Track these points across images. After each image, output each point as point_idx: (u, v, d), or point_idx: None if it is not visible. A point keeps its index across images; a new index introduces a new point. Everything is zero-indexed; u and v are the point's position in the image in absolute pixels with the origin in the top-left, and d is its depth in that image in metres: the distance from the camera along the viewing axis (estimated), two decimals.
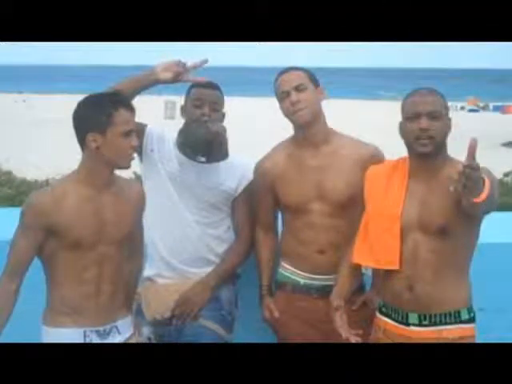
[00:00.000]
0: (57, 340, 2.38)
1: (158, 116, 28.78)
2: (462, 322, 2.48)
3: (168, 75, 2.76)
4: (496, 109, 46.69)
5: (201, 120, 2.79)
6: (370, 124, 27.55)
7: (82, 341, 2.41)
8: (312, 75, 2.80)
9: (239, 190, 2.93)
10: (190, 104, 2.86)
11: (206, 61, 2.81)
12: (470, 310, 2.51)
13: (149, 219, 2.76)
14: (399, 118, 2.49)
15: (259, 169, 2.91)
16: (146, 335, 2.84)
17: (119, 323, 2.51)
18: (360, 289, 2.84)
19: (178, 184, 2.88)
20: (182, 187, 2.88)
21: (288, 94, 2.73)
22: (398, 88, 45.43)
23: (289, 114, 2.76)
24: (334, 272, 2.71)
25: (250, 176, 2.93)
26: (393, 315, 2.54)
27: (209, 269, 2.89)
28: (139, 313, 2.87)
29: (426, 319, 2.48)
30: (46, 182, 8.78)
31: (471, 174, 2.08)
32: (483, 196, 2.15)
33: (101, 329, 2.46)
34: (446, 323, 2.47)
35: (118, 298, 2.51)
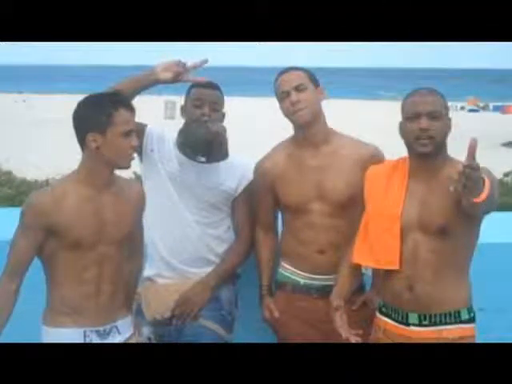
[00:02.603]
0: (57, 340, 2.38)
1: (158, 116, 28.77)
2: (462, 322, 2.48)
3: (168, 75, 2.76)
4: (496, 109, 46.67)
5: (201, 120, 2.79)
6: (370, 124, 27.54)
7: (82, 341, 2.41)
8: (312, 75, 2.80)
9: (239, 190, 2.93)
10: (190, 104, 2.86)
11: (205, 61, 2.81)
12: (470, 310, 2.51)
13: (149, 219, 2.77)
14: (399, 118, 2.49)
15: (259, 169, 2.91)
16: (146, 335, 2.84)
17: (119, 323, 2.51)
18: (360, 289, 2.84)
19: (178, 184, 2.88)
20: (182, 187, 2.88)
21: (288, 94, 2.73)
22: (398, 88, 45.42)
23: (289, 113, 2.76)
24: (334, 272, 2.71)
25: (250, 176, 2.93)
26: (393, 315, 2.54)
27: (209, 269, 2.89)
28: (139, 313, 2.87)
29: (426, 319, 2.48)
30: (46, 182, 8.77)
31: (471, 173, 2.08)
32: (483, 196, 2.15)
33: (101, 329, 2.46)
34: (446, 323, 2.47)
35: (118, 298, 2.51)
